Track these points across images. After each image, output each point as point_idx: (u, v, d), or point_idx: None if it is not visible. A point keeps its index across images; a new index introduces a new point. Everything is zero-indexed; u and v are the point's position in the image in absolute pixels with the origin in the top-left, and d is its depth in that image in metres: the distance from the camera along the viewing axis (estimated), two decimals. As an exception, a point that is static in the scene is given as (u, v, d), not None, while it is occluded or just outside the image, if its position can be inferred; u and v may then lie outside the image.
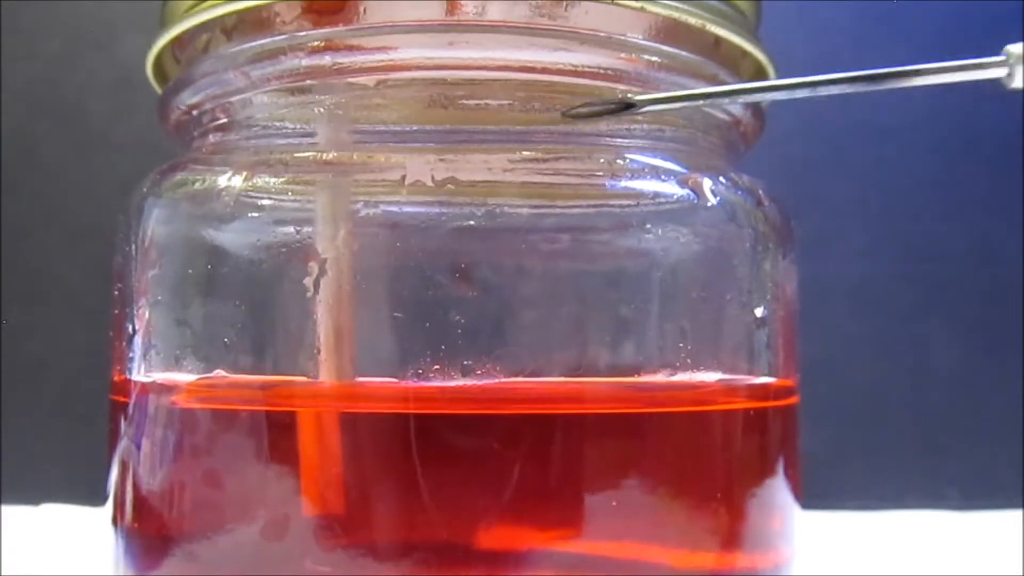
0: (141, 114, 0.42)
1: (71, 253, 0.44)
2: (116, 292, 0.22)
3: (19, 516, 0.39)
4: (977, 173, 0.47)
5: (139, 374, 0.21)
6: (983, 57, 0.18)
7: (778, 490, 0.21)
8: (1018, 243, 0.46)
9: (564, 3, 0.19)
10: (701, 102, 0.20)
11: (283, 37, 0.19)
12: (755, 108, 0.23)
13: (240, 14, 0.20)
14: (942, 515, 0.42)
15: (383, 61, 0.19)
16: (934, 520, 0.42)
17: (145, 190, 0.22)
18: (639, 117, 0.20)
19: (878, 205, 0.47)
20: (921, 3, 0.46)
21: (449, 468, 0.18)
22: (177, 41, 0.22)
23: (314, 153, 0.20)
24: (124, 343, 0.21)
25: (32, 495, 0.41)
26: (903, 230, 0.47)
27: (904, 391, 0.46)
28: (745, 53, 0.22)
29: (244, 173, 0.20)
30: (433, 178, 0.19)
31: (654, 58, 0.20)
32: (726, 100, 0.20)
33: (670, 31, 0.20)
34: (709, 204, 0.20)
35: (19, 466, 0.42)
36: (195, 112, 0.22)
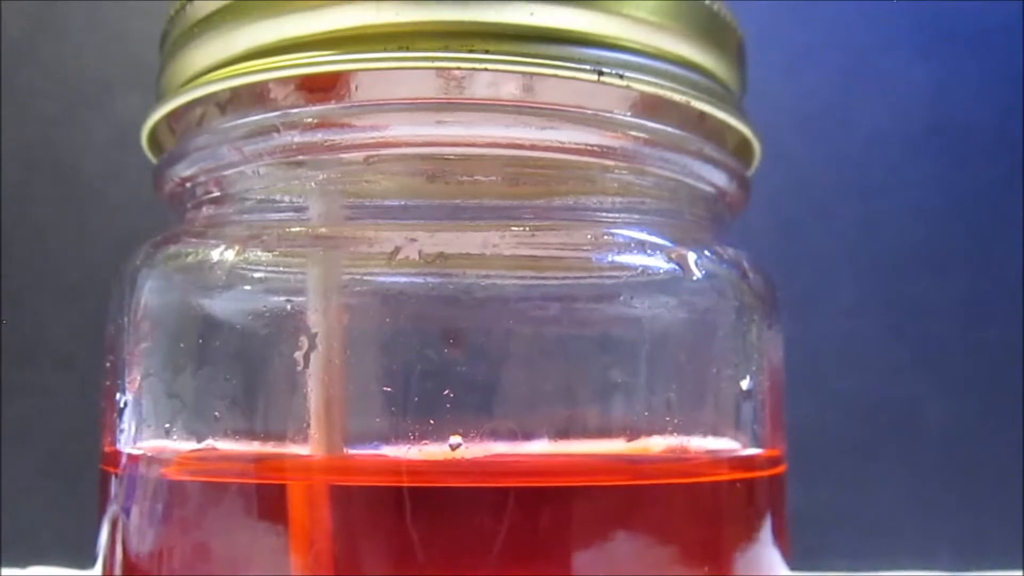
0: (136, 174, 0.43)
1: (65, 313, 0.44)
2: (108, 364, 0.22)
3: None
4: (967, 231, 0.47)
5: (129, 446, 0.21)
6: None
7: (766, 559, 0.21)
8: (1009, 300, 0.46)
9: (551, 81, 0.20)
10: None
11: (276, 114, 0.20)
12: (741, 179, 0.23)
13: (234, 89, 0.21)
14: (935, 576, 0.42)
15: (374, 138, 0.20)
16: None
17: (138, 262, 0.22)
18: (623, 190, 0.21)
19: (866, 263, 0.47)
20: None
21: (439, 540, 0.18)
22: (172, 113, 0.22)
23: (306, 227, 0.21)
24: (115, 414, 0.22)
25: (21, 558, 0.40)
26: (892, 288, 0.47)
27: (896, 449, 0.46)
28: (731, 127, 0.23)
29: (237, 247, 0.20)
30: (422, 252, 0.19)
31: (640, 134, 0.20)
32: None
33: (655, 107, 0.21)
34: (694, 278, 0.20)
35: (8, 528, 0.42)
36: (189, 184, 0.22)
